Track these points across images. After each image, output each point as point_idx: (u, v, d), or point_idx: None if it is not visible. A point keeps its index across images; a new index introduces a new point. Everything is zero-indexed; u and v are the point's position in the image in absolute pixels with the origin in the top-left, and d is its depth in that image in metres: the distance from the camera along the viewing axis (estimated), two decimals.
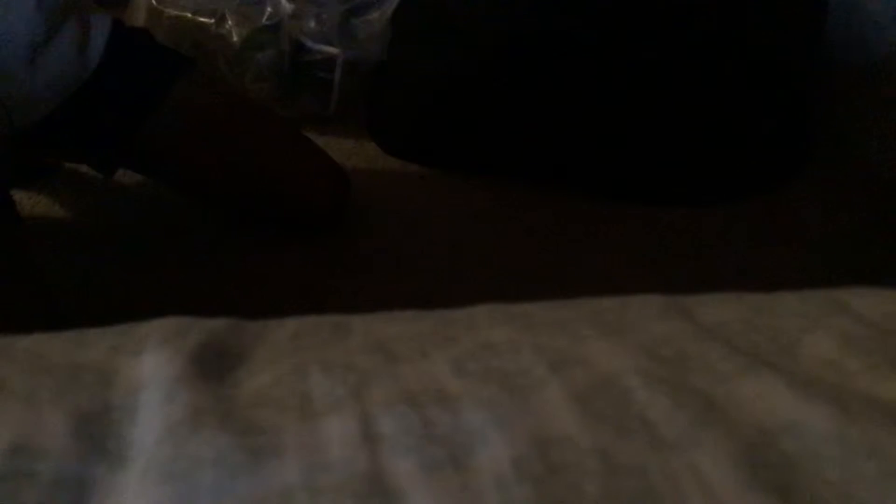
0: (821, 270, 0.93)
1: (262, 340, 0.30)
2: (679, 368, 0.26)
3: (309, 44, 1.15)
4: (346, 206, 0.99)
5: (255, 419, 0.25)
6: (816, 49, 1.09)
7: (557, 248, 0.97)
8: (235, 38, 1.13)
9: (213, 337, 0.30)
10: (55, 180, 1.05)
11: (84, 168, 1.07)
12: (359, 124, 1.15)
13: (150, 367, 0.28)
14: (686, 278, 0.92)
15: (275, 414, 0.25)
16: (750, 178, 1.06)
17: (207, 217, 1.02)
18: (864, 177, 1.07)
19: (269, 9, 1.13)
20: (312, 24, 1.14)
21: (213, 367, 0.28)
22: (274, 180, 0.94)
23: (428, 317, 0.31)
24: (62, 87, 0.82)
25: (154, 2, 1.16)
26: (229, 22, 1.13)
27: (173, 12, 1.16)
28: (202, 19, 1.14)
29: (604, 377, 0.26)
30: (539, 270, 0.94)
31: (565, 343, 0.28)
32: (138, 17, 1.15)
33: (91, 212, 1.02)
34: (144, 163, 0.94)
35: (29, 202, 1.00)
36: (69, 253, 0.96)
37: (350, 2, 1.15)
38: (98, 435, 0.25)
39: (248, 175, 0.93)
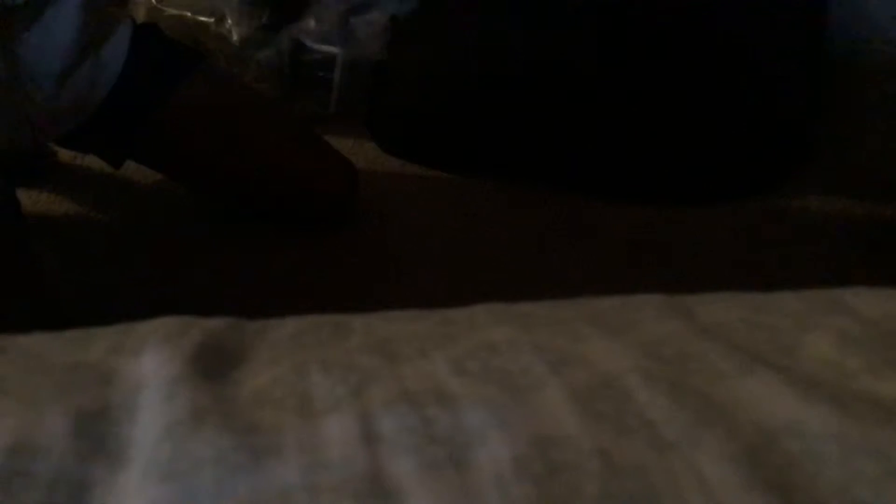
0: (821, 270, 0.93)
1: (262, 340, 0.30)
2: (679, 368, 0.26)
3: (309, 43, 1.15)
4: (355, 199, 0.99)
5: (255, 419, 0.25)
6: (816, 49, 1.09)
7: (557, 248, 0.97)
8: (235, 38, 1.13)
9: (213, 337, 0.30)
10: (54, 179, 1.05)
11: (84, 165, 1.07)
12: (359, 124, 1.15)
13: (149, 366, 0.28)
14: (686, 278, 0.92)
15: (275, 414, 0.25)
16: (750, 178, 1.06)
17: (207, 217, 1.02)
18: (864, 177, 1.07)
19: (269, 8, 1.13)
20: (312, 23, 1.14)
21: (212, 367, 0.28)
22: (284, 174, 0.94)
23: (428, 317, 0.31)
24: (87, 105, 0.83)
25: (154, 1, 1.16)
26: (229, 21, 1.13)
27: (173, 11, 1.16)
28: (202, 18, 1.15)
29: (604, 377, 0.26)
30: (539, 270, 0.94)
31: (565, 343, 0.28)
32: (138, 16, 1.15)
33: (90, 211, 1.02)
34: (154, 155, 0.95)
35: (29, 201, 1.00)
36: (69, 252, 0.96)
37: (350, 2, 1.15)
38: (98, 435, 0.25)
39: (258, 169, 0.93)
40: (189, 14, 1.15)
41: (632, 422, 0.24)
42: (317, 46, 1.15)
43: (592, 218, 1.01)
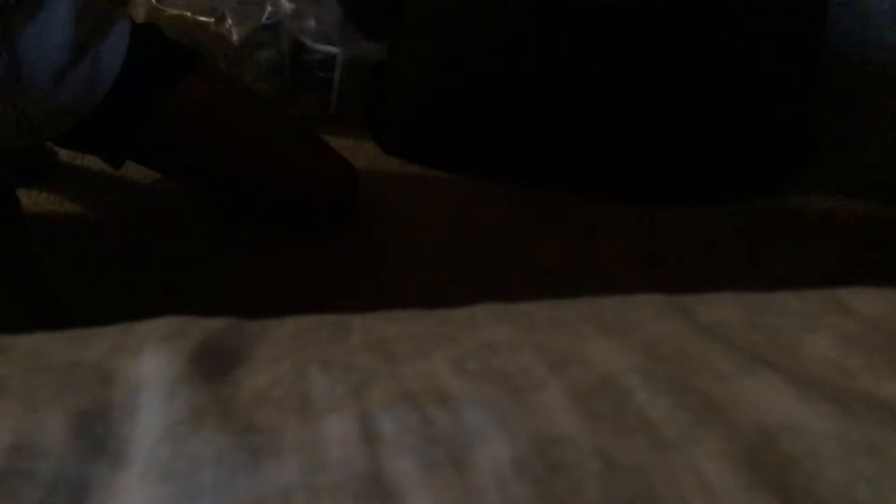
0: (821, 270, 0.93)
1: (262, 340, 0.30)
2: (679, 368, 0.26)
3: (309, 43, 1.15)
4: (355, 200, 0.99)
5: (255, 419, 0.25)
6: (816, 49, 1.09)
7: (557, 247, 0.97)
8: (235, 38, 1.13)
9: (212, 337, 0.30)
10: (54, 179, 1.05)
11: (84, 165, 1.07)
12: (359, 124, 1.15)
13: (149, 366, 0.28)
14: (686, 278, 0.92)
15: (275, 414, 0.25)
16: (750, 178, 1.06)
17: (207, 216, 1.02)
18: (864, 177, 1.07)
19: (269, 8, 1.13)
20: (312, 23, 1.14)
21: (212, 367, 0.28)
22: (283, 174, 0.94)
23: (428, 317, 0.31)
24: (85, 104, 0.83)
25: (154, 1, 1.16)
26: (229, 21, 1.13)
27: (173, 11, 1.16)
28: (202, 18, 1.15)
29: (604, 377, 0.26)
30: (539, 270, 0.94)
31: (565, 343, 0.28)
32: (138, 16, 1.15)
33: (90, 211, 1.02)
34: (153, 156, 0.95)
35: (29, 201, 1.00)
36: (69, 252, 0.96)
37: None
38: (98, 435, 0.25)
39: (258, 169, 0.93)
40: (189, 14, 1.15)
41: (632, 422, 0.24)
42: (317, 46, 1.15)
43: (592, 218, 1.01)
